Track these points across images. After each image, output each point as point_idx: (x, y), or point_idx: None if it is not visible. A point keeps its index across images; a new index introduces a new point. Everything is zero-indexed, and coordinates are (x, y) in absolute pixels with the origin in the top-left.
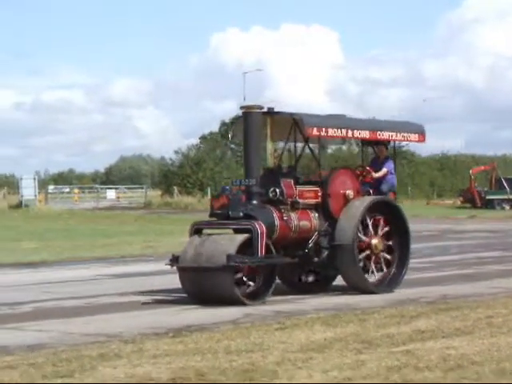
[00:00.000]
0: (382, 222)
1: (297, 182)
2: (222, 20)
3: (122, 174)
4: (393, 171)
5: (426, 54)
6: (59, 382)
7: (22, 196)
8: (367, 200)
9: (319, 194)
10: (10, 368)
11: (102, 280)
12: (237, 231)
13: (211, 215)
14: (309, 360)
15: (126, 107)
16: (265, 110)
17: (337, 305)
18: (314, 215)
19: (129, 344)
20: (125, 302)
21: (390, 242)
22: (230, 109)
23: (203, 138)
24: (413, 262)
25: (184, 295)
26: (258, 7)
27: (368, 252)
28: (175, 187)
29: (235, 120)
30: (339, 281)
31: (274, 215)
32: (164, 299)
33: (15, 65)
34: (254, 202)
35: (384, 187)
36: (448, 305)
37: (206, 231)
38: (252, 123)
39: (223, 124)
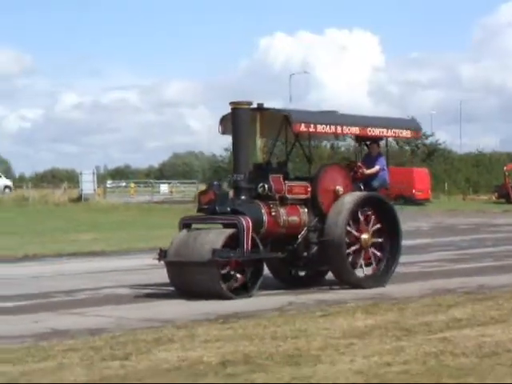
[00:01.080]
0: (372, 217)
1: (286, 178)
2: (270, 25)
3: (175, 169)
4: (385, 167)
5: (463, 56)
6: (124, 363)
7: (81, 190)
8: (357, 196)
9: (309, 189)
10: (71, 351)
11: (157, 269)
12: (224, 226)
13: (199, 210)
14: (350, 346)
15: (178, 107)
16: (254, 106)
17: (376, 295)
18: (304, 210)
19: (181, 329)
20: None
21: (381, 238)
22: None
23: None
24: (450, 254)
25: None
26: (304, 13)
27: (357, 247)
28: (225, 182)
29: (225, 115)
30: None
31: (262, 210)
32: None
33: (77, 67)
34: (243, 197)
35: (375, 183)
36: (483, 295)
37: (194, 226)
38: (241, 119)
39: None
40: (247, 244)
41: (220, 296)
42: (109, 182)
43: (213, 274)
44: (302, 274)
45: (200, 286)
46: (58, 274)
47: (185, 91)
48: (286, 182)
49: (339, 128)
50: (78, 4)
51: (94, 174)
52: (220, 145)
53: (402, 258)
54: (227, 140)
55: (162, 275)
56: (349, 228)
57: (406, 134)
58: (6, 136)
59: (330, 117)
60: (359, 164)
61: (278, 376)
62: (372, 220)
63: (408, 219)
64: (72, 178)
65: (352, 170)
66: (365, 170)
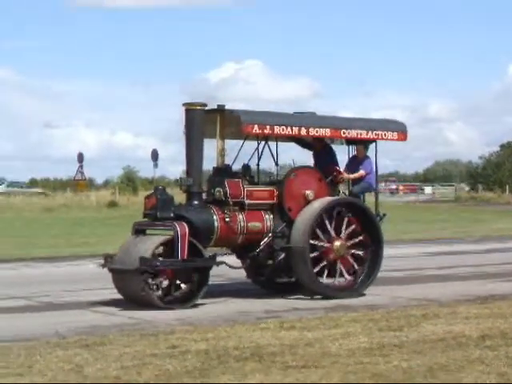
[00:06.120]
0: (348, 223)
1: (252, 182)
2: None
3: (436, 174)
4: (372, 171)
5: None
6: (397, 333)
7: None
8: (326, 201)
9: (275, 194)
10: (354, 321)
11: (420, 257)
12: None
13: (144, 216)
14: None
15: (438, 122)
16: (214, 107)
17: None
18: (269, 216)
19: (445, 307)
20: (441, 275)
21: (360, 246)
22: None
23: (502, 146)
24: None
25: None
26: None
27: (330, 255)
28: (479, 185)
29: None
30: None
31: (215, 216)
32: (473, 272)
33: (353, 91)
34: (195, 202)
35: (355, 188)
36: None
37: (149, 231)
38: (193, 121)
39: None
40: (182, 251)
41: (150, 305)
42: (381, 184)
43: (141, 283)
44: (286, 280)
45: (134, 295)
46: None
47: (443, 109)
48: (247, 186)
49: (304, 130)
50: (361, 43)
51: None
52: (476, 153)
53: None
54: (482, 150)
55: (425, 261)
56: (318, 235)
57: (392, 135)
58: None
59: (292, 118)
60: (337, 167)
61: None
62: (348, 226)
63: None
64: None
65: (330, 173)
66: (345, 173)
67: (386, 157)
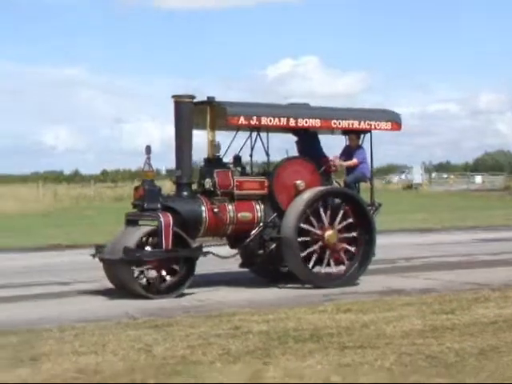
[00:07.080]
0: (340, 213)
1: (244, 173)
2: None
3: (486, 164)
4: (366, 160)
5: None
6: (450, 316)
7: (412, 180)
8: (316, 191)
9: (265, 184)
10: (408, 305)
11: (471, 243)
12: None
13: (133, 206)
14: None
15: (489, 114)
16: (204, 99)
17: None
18: (260, 207)
19: (496, 291)
20: (492, 260)
21: (353, 234)
22: None
23: None
24: None
25: None
26: None
27: (321, 244)
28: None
29: None
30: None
31: (203, 207)
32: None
33: (406, 85)
34: (184, 193)
35: (349, 178)
36: None
37: (141, 222)
38: (182, 113)
39: None
40: (166, 241)
41: (137, 294)
42: (433, 174)
43: (126, 272)
44: (286, 269)
45: (122, 284)
46: (403, 245)
47: (494, 101)
48: (236, 177)
49: (292, 120)
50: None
51: (421, 168)
52: None
53: None
54: None
55: (483, 247)
56: (306, 225)
57: (385, 126)
58: None
59: (281, 109)
60: (331, 158)
61: None
62: (339, 216)
63: None
64: (404, 172)
65: (323, 163)
66: (339, 162)
67: (438, 147)
